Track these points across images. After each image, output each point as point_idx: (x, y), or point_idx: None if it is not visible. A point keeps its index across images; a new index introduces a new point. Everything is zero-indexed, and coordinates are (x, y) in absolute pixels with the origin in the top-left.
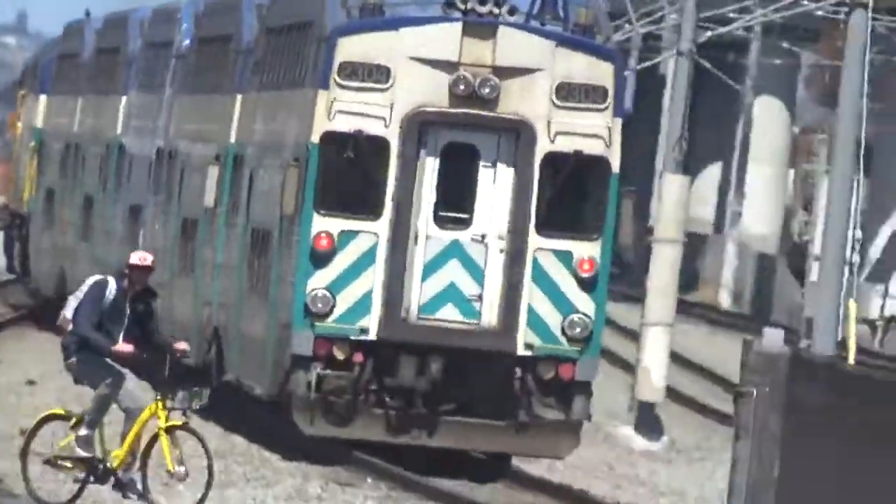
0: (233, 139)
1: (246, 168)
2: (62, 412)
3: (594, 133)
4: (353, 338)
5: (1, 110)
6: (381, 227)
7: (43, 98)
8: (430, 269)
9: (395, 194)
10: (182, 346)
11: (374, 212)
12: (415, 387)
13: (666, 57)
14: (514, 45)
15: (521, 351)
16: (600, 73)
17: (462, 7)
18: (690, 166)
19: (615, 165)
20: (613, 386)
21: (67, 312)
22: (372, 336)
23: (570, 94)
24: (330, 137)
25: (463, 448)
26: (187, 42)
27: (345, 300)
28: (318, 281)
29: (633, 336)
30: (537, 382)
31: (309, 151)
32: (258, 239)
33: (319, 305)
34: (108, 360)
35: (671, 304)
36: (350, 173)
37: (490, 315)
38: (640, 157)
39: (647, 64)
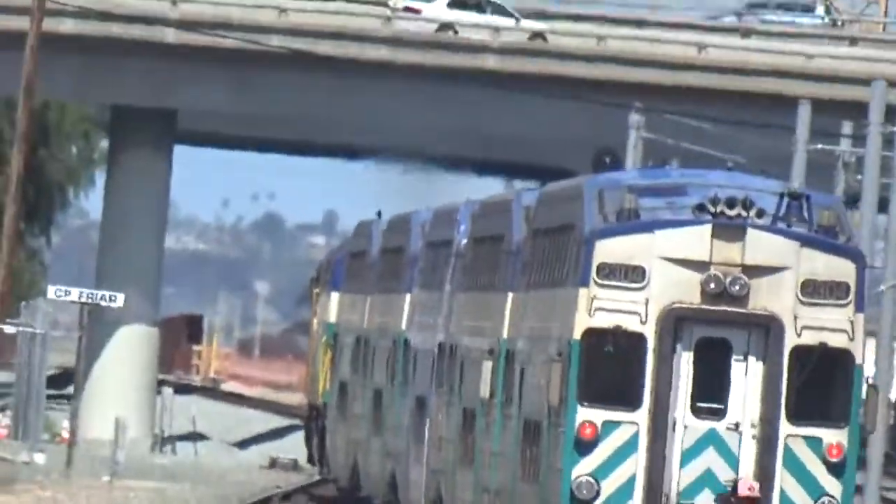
0: (505, 335)
1: (517, 362)
2: None
3: (838, 327)
4: None
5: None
6: (641, 416)
7: (335, 295)
8: (689, 456)
9: (654, 386)
10: None
11: (633, 403)
12: None
13: None
14: (761, 245)
15: None
16: (843, 270)
17: (712, 210)
18: None
19: (858, 357)
20: None
21: None
22: None
23: (815, 290)
24: (591, 333)
25: None
26: (464, 242)
27: (609, 486)
28: (584, 468)
29: None
30: None
31: (571, 347)
32: (529, 428)
33: (584, 492)
34: None
35: None
36: (610, 366)
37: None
38: None
39: None
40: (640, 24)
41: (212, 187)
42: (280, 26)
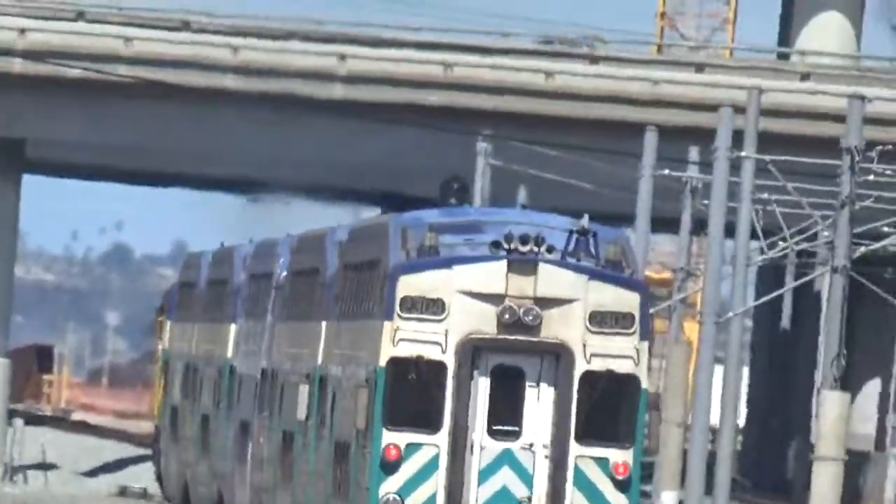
0: (319, 361)
1: (330, 386)
2: None
3: (624, 354)
4: None
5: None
6: (442, 439)
7: (168, 323)
8: (485, 474)
9: (453, 410)
10: None
11: (434, 426)
12: None
13: (820, 273)
14: (552, 279)
15: None
16: (628, 302)
17: (507, 247)
18: (850, 383)
19: (643, 382)
20: None
21: None
22: None
23: (602, 320)
24: (395, 362)
25: None
26: (284, 274)
27: (413, 503)
28: (389, 486)
29: None
30: None
31: (377, 374)
32: (340, 449)
33: None
34: None
35: None
36: (413, 392)
37: None
38: (800, 374)
39: (802, 281)
40: (487, 51)
41: (60, 217)
42: (126, 55)
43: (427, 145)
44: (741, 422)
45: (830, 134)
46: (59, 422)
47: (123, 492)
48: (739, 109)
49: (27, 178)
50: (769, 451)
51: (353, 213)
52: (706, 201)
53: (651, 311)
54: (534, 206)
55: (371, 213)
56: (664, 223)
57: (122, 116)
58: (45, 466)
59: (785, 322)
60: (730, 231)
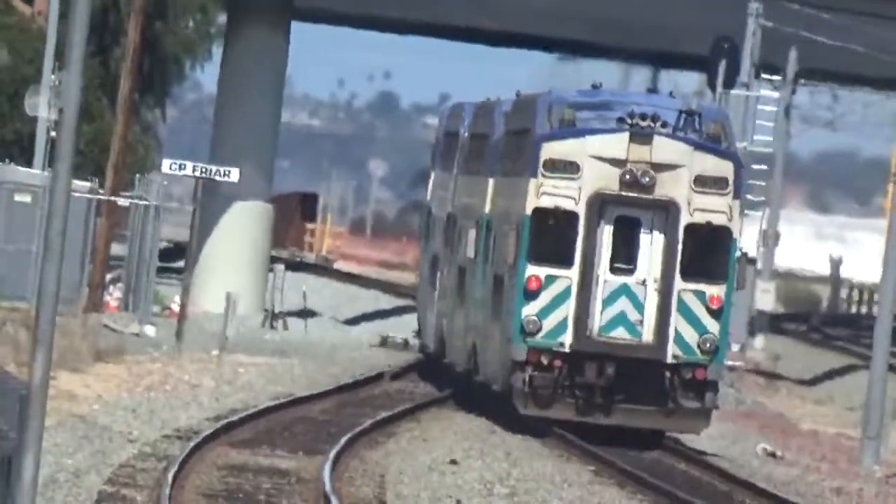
0: (486, 210)
1: (492, 230)
2: None
3: (720, 210)
4: (554, 349)
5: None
6: (573, 273)
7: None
8: (607, 302)
9: (583, 250)
10: None
11: (568, 262)
12: (596, 383)
13: None
14: (665, 148)
15: (670, 360)
16: (724, 168)
17: (629, 122)
18: None
19: (735, 232)
20: None
21: None
22: (567, 348)
23: (703, 182)
24: (538, 211)
25: (628, 426)
26: (466, 135)
27: (548, 323)
28: (530, 309)
29: None
30: (680, 381)
31: (523, 220)
32: (496, 281)
33: (531, 327)
34: None
35: None
36: (551, 235)
37: (648, 334)
38: None
39: None
40: None
41: (327, 65)
42: None
43: (698, 5)
44: None
45: None
46: (321, 270)
47: (384, 342)
48: None
49: (296, 26)
50: None
51: (624, 72)
52: None
53: None
54: (804, 68)
55: (642, 72)
56: None
57: None
58: (305, 313)
59: None
60: None
